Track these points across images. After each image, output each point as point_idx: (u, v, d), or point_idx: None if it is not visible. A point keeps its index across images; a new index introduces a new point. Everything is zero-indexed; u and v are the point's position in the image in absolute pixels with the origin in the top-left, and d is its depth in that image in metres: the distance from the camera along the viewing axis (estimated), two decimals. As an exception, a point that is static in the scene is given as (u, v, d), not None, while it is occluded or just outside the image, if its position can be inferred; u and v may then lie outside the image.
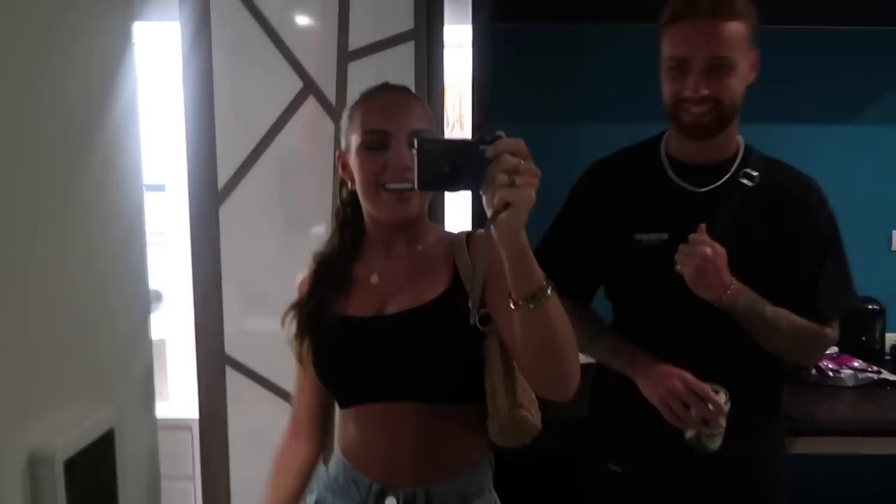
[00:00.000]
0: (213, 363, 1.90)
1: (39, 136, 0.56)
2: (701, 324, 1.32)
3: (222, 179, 1.88)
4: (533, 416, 1.06)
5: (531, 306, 0.88)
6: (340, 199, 1.16)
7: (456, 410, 1.06)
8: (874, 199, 2.44)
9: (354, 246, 1.14)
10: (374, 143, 1.04)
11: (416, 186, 0.87)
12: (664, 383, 1.27)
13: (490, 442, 1.10)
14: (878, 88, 2.41)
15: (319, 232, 1.92)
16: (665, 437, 1.33)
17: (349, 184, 1.12)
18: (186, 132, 1.83)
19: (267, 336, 1.96)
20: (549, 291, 0.89)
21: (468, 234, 1.11)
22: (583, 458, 1.54)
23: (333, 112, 1.85)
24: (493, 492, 1.13)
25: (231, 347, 1.91)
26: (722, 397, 1.24)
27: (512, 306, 0.90)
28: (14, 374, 0.51)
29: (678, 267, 1.26)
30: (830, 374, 2.15)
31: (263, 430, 1.91)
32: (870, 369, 2.16)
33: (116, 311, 0.65)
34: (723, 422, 1.24)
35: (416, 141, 0.87)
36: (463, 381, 1.05)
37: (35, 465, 0.53)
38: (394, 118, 1.05)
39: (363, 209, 1.11)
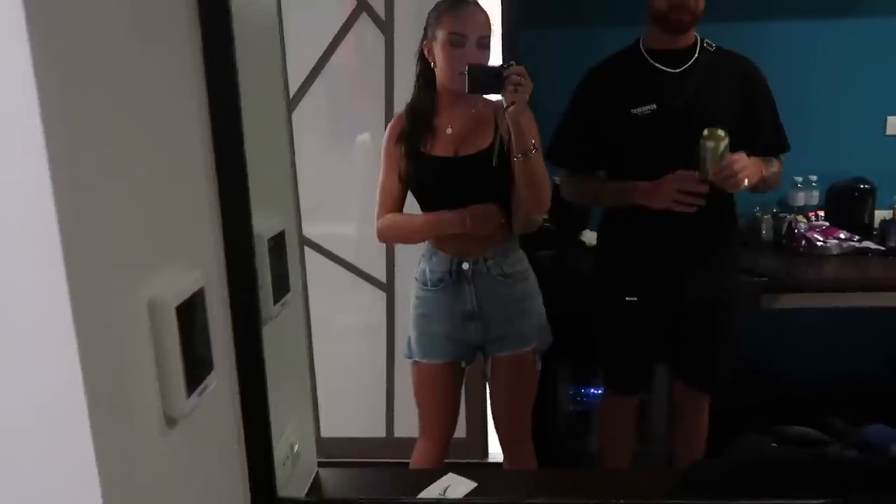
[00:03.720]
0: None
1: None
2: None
3: (292, 90, 2.23)
4: (538, 218, 1.77)
5: (523, 159, 1.58)
6: (421, 69, 1.70)
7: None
8: (871, 88, 2.67)
9: (432, 103, 1.70)
10: (455, 42, 1.60)
11: (466, 91, 1.54)
12: (664, 185, 1.71)
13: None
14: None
15: (378, 138, 2.28)
16: (666, 266, 1.82)
17: (431, 62, 1.66)
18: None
19: (335, 220, 2.37)
20: (533, 151, 1.58)
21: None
22: (601, 299, 1.96)
23: (384, 27, 2.16)
24: (521, 250, 1.80)
25: (306, 230, 2.33)
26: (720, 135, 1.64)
27: (514, 157, 1.58)
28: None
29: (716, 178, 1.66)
30: (818, 244, 2.47)
31: (337, 298, 2.36)
32: (853, 239, 2.47)
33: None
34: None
35: (466, 66, 1.52)
36: (501, 195, 1.69)
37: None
38: (470, 26, 1.60)
39: (439, 82, 1.67)
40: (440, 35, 1.61)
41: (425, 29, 1.68)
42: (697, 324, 1.92)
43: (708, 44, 1.78)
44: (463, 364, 1.85)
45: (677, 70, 1.75)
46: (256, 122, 0.90)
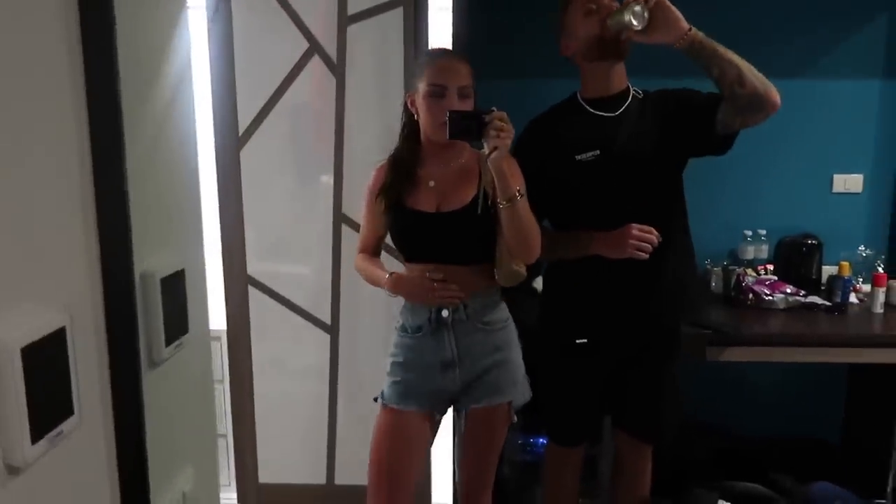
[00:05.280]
0: (238, 282, 2.27)
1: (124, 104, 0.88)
2: (631, 220, 1.73)
3: (242, 127, 2.22)
4: (521, 269, 1.68)
5: (509, 205, 1.54)
6: (405, 121, 1.71)
7: (478, 267, 1.68)
8: (817, 146, 2.74)
9: (414, 154, 1.70)
10: (436, 93, 1.59)
11: (447, 137, 1.51)
12: (624, 236, 1.71)
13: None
14: (819, 46, 2.68)
15: (327, 178, 2.27)
16: (614, 308, 1.82)
17: (414, 114, 1.66)
18: (211, 86, 2.16)
19: (281, 263, 2.34)
20: (518, 198, 1.55)
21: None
22: (548, 345, 1.94)
23: (335, 69, 2.17)
24: (503, 302, 1.76)
25: (252, 271, 2.29)
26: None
27: (500, 205, 1.55)
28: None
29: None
30: (765, 297, 2.49)
31: (281, 339, 2.31)
32: (799, 293, 2.49)
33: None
34: None
35: (447, 112, 1.50)
36: (484, 250, 1.66)
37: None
38: (449, 77, 1.60)
39: (422, 132, 1.67)
40: (421, 87, 1.61)
41: (410, 80, 1.69)
42: (641, 371, 1.90)
43: (636, 91, 1.82)
44: (437, 416, 1.78)
45: (615, 113, 1.78)
46: (152, 158, 0.88)
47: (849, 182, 2.76)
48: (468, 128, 1.49)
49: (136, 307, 0.80)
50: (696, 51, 1.62)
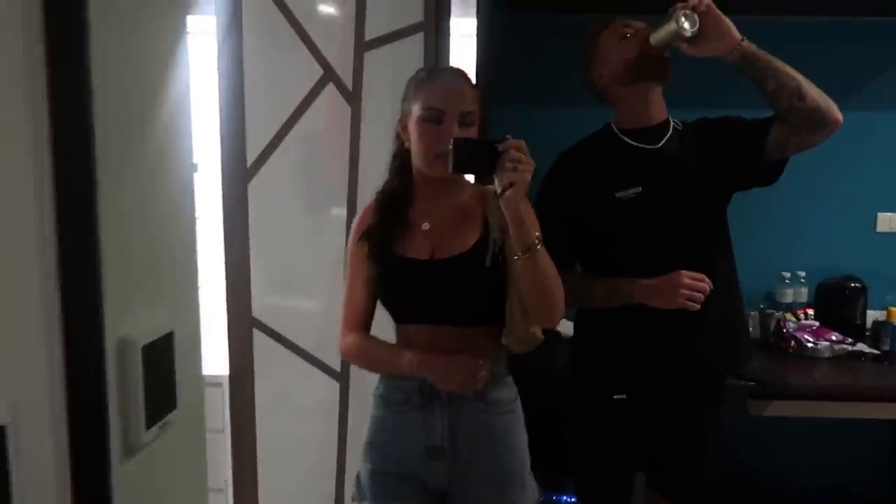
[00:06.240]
0: (242, 325, 2.12)
1: (99, 122, 0.66)
2: (676, 263, 1.55)
3: (250, 158, 2.08)
4: (538, 333, 1.38)
5: (526, 256, 1.24)
6: (396, 150, 1.43)
7: (483, 329, 1.39)
8: (860, 183, 2.58)
9: (406, 190, 1.41)
10: (432, 119, 1.31)
11: (450, 171, 1.24)
12: (674, 285, 1.50)
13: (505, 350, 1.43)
14: (861, 77, 2.54)
15: (340, 213, 2.12)
16: (656, 356, 1.64)
17: (406, 142, 1.39)
18: (220, 115, 2.03)
19: (290, 302, 2.18)
20: (538, 246, 1.24)
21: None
22: (584, 398, 1.75)
23: (351, 97, 2.04)
24: (510, 376, 1.44)
25: (258, 312, 2.13)
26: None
27: (514, 256, 1.25)
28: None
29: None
30: (808, 345, 2.31)
31: (287, 386, 2.14)
32: (845, 341, 2.31)
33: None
34: None
35: (452, 140, 1.23)
36: (489, 307, 1.37)
37: None
38: (449, 101, 1.31)
39: (414, 166, 1.39)
40: (415, 110, 1.34)
41: (402, 103, 1.41)
42: (682, 426, 1.71)
43: (676, 122, 1.68)
44: None
45: (657, 146, 1.63)
46: (140, 203, 0.73)
47: (894, 221, 2.59)
48: (477, 159, 1.22)
49: (108, 384, 0.65)
50: (751, 62, 1.48)
